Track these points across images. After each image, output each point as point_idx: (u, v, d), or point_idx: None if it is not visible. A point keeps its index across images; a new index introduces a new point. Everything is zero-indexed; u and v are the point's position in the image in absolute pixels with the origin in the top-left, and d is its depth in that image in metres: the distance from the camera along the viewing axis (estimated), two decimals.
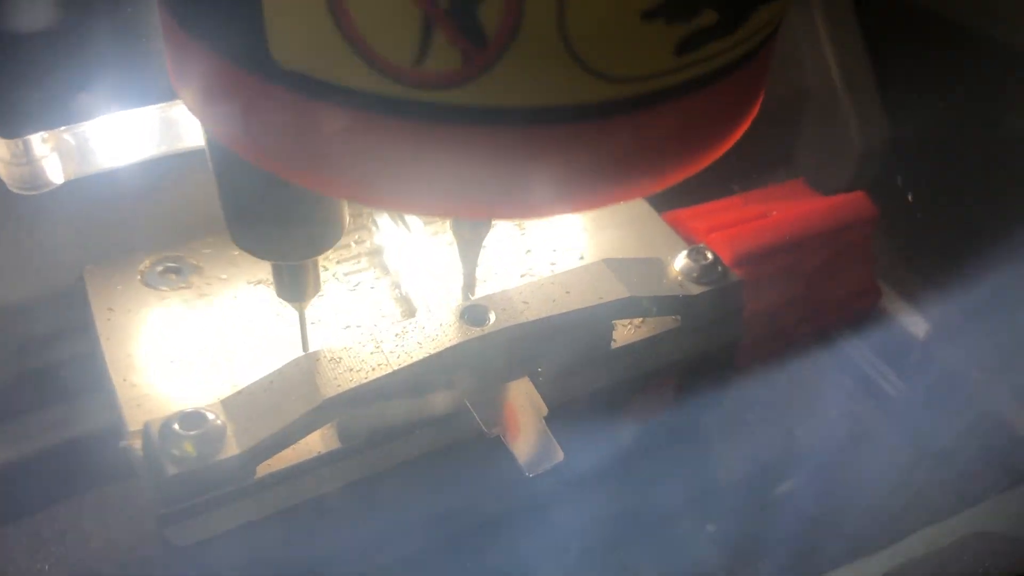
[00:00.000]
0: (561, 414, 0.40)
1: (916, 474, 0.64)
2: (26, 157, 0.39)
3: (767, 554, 0.60)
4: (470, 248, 0.42)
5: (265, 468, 0.37)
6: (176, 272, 0.46)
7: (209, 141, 0.33)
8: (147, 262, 0.46)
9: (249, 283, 0.46)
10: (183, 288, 0.46)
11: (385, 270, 0.47)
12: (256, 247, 0.36)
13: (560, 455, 0.37)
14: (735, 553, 0.59)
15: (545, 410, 0.39)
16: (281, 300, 0.40)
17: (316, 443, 0.39)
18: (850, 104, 0.69)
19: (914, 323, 0.68)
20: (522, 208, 0.28)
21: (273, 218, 0.35)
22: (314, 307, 0.45)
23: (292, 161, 0.27)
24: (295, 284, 0.39)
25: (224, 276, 0.46)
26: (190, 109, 0.29)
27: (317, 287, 0.40)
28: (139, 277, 0.46)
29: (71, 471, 0.64)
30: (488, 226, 0.41)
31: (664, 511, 0.55)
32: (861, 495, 0.64)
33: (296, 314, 0.44)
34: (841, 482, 0.64)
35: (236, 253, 0.47)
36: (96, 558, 0.63)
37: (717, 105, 0.28)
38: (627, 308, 0.42)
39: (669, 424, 0.49)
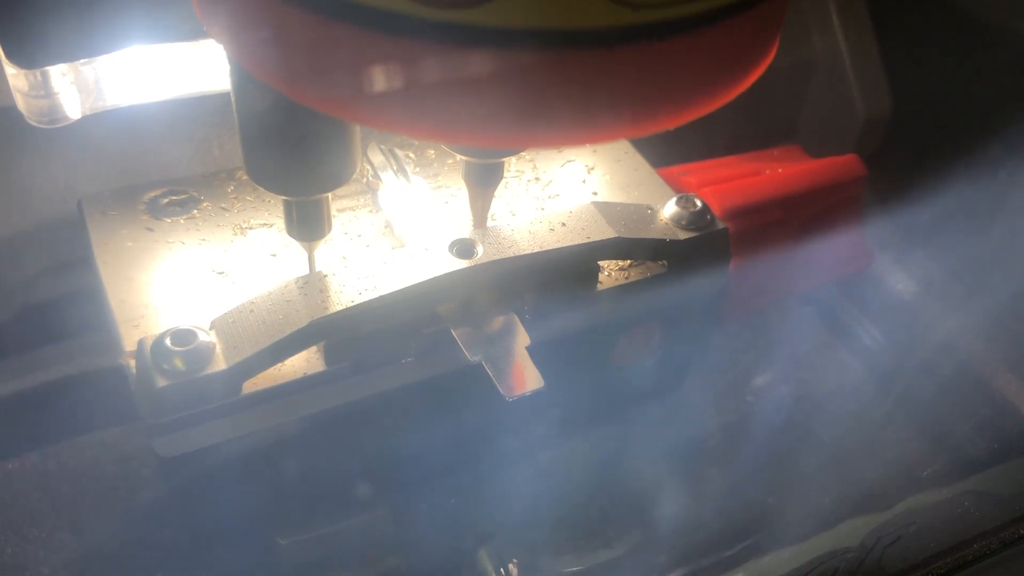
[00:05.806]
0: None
1: (900, 434, 0.65)
2: (44, 89, 0.38)
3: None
4: (481, 197, 0.42)
5: (251, 386, 0.38)
6: (179, 205, 0.47)
7: (232, 72, 0.34)
8: (148, 193, 0.47)
9: (247, 218, 0.47)
10: (184, 218, 0.46)
11: (377, 208, 0.48)
12: (270, 181, 0.37)
13: (540, 382, 0.38)
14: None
15: (528, 340, 0.40)
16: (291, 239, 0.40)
17: (302, 365, 0.40)
18: (855, 74, 0.69)
19: (905, 288, 0.68)
20: (535, 137, 0.28)
21: (288, 150, 0.35)
22: None
23: (317, 87, 0.27)
24: (305, 222, 0.39)
25: (225, 207, 0.47)
26: (214, 37, 0.30)
27: (328, 226, 0.40)
28: (139, 206, 0.47)
29: (72, 409, 0.65)
30: (500, 175, 0.42)
31: None
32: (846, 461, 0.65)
33: (299, 247, 0.44)
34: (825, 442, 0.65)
35: (230, 190, 0.48)
36: (91, 494, 0.64)
37: (737, 39, 0.28)
38: (614, 249, 0.43)
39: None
